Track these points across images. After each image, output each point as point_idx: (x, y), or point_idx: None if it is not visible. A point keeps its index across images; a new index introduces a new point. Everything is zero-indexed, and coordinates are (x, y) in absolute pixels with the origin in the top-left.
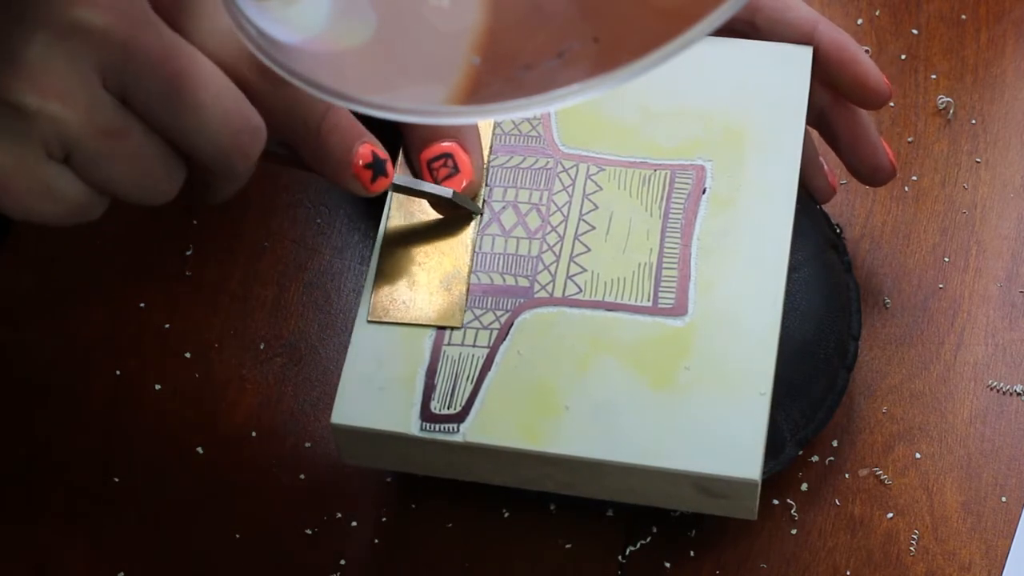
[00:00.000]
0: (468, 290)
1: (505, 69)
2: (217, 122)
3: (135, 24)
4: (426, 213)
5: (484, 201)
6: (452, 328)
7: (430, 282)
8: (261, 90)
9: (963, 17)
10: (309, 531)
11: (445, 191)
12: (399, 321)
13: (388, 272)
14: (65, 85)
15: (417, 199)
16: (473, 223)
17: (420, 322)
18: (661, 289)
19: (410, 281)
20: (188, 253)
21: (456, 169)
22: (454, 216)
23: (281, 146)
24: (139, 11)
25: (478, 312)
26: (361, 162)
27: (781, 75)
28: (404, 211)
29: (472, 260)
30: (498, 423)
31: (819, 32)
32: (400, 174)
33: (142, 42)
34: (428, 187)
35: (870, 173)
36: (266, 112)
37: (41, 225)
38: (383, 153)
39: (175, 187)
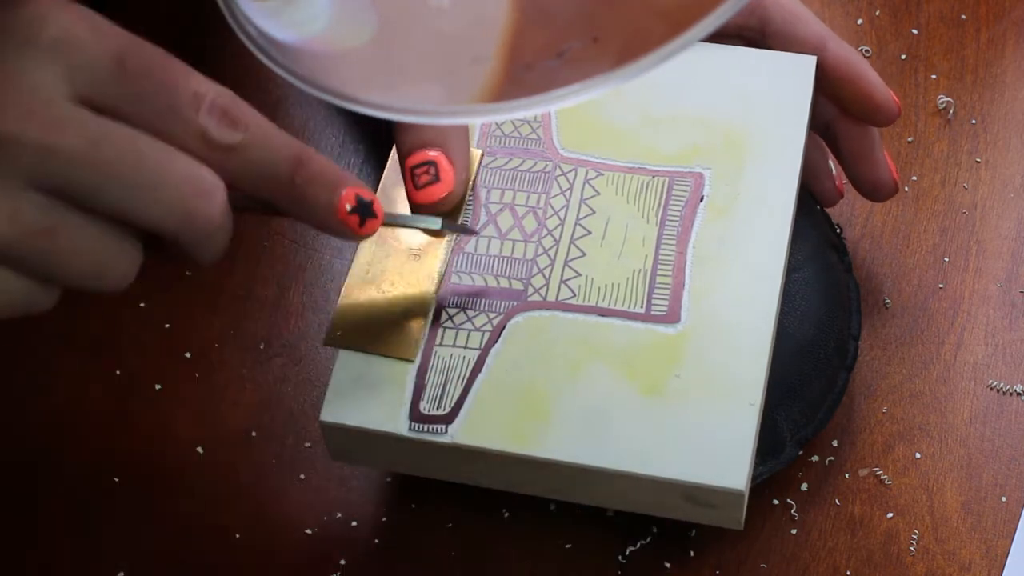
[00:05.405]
0: (428, 324)
1: (505, 69)
2: (165, 195)
3: (52, 124)
4: (399, 240)
5: (483, 204)
6: (407, 360)
7: (391, 311)
8: (217, 158)
9: (963, 17)
10: (309, 531)
11: (434, 223)
12: (352, 347)
13: (352, 296)
14: None
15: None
16: (443, 255)
17: (374, 351)
18: (655, 296)
19: (371, 308)
20: None
21: (437, 178)
22: (432, 242)
23: (261, 201)
24: (56, 108)
25: (471, 314)
26: (347, 207)
27: (784, 84)
28: (378, 236)
29: (437, 294)
30: (486, 426)
31: (828, 49)
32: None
33: (61, 141)
34: (416, 220)
35: (871, 189)
36: (232, 176)
37: None
38: (368, 194)
39: (132, 267)
